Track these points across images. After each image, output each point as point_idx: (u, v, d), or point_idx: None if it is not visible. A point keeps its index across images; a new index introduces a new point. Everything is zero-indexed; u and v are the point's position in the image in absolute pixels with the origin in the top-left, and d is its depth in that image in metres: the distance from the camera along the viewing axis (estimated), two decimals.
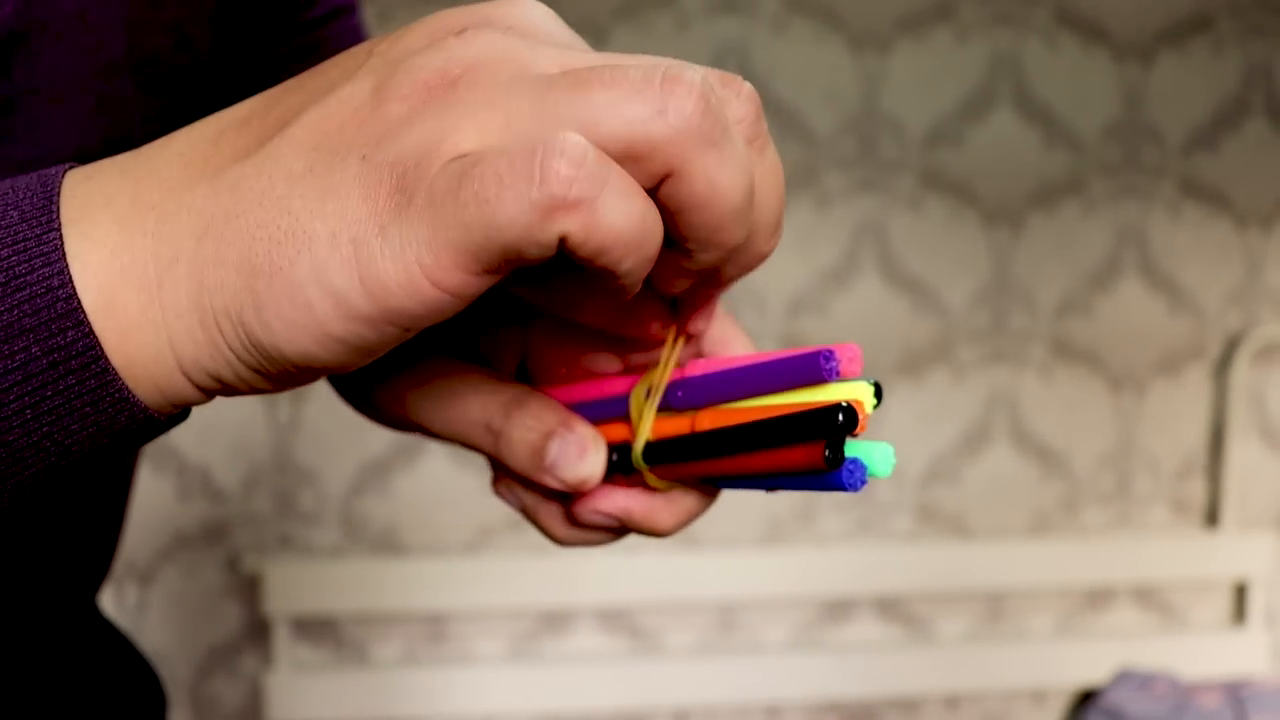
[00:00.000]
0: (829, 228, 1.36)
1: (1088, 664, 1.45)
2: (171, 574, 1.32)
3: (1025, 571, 1.42)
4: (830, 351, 0.25)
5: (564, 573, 1.33)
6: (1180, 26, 1.40)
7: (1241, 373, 1.44)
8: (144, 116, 0.36)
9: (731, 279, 0.26)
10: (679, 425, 0.28)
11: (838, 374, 0.25)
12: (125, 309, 0.22)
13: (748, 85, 0.23)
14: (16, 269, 0.21)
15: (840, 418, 0.24)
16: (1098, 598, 1.49)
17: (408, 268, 0.20)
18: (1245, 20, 1.41)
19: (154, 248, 0.22)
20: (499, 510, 1.35)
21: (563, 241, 0.20)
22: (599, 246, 0.20)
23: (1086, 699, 1.49)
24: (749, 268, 0.26)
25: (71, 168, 0.23)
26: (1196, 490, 1.49)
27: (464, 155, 0.20)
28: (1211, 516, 1.49)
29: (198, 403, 0.23)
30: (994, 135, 1.38)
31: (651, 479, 0.29)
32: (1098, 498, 1.47)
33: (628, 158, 0.21)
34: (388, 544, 1.34)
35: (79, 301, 0.21)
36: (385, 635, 1.36)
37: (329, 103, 0.22)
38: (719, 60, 1.32)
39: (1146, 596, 1.50)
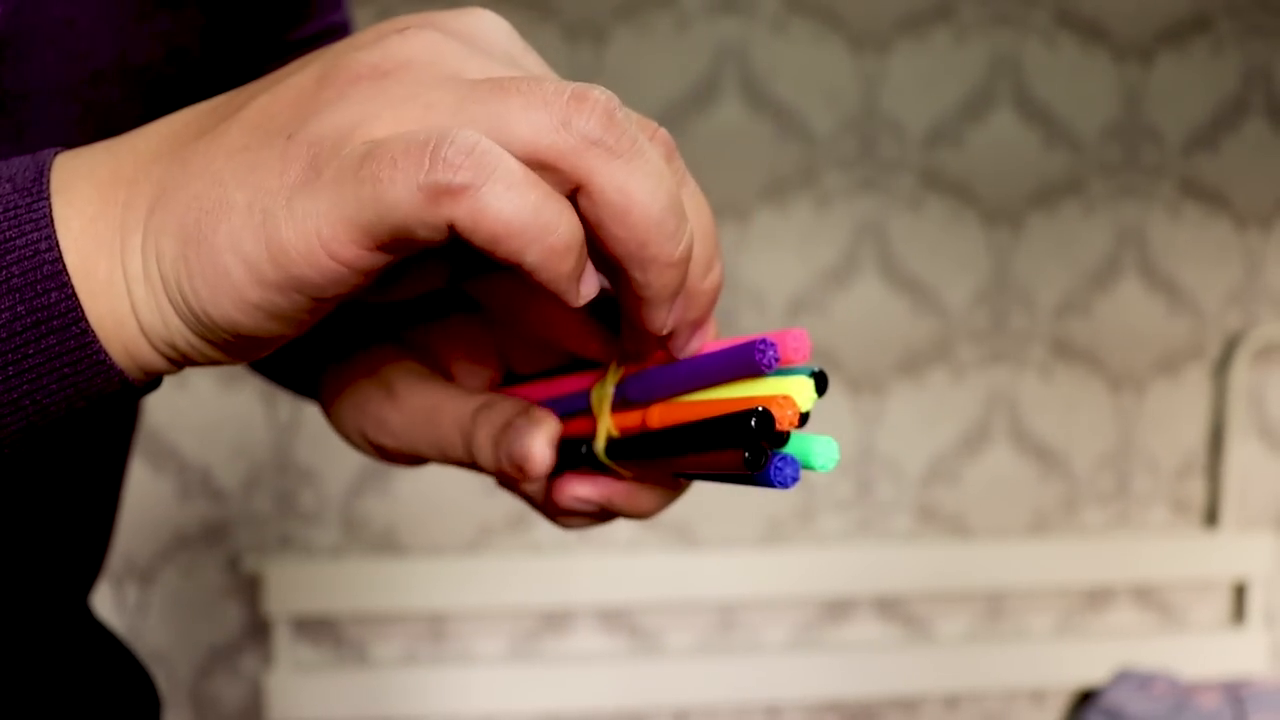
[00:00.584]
0: (829, 228, 1.36)
1: (1087, 664, 1.45)
2: (172, 574, 1.32)
3: (1025, 571, 1.42)
4: (765, 341, 0.25)
5: (564, 572, 1.33)
6: (1180, 27, 1.40)
7: (1241, 373, 1.44)
8: (132, 125, 0.35)
9: (686, 325, 0.27)
10: (633, 420, 0.29)
11: (776, 362, 0.25)
12: (96, 274, 0.23)
13: (663, 130, 0.25)
14: (7, 233, 0.22)
15: (753, 423, 0.24)
16: (1097, 597, 1.49)
17: (307, 238, 0.21)
18: (1245, 20, 1.41)
19: (121, 216, 0.23)
20: (499, 510, 1.35)
21: (455, 228, 0.21)
22: (490, 235, 0.21)
23: (1086, 699, 1.49)
24: (697, 312, 0.27)
25: (62, 149, 0.25)
26: (1196, 490, 1.49)
27: (376, 140, 0.21)
28: (1211, 516, 1.49)
29: (166, 371, 0.25)
30: (994, 135, 1.38)
31: (619, 470, 0.30)
32: (1097, 498, 1.47)
33: (538, 166, 0.22)
34: (388, 544, 1.34)
35: (64, 264, 0.23)
36: (385, 635, 1.36)
37: (278, 89, 0.23)
38: (719, 60, 1.32)
39: (1146, 596, 1.50)
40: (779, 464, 0.24)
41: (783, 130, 1.34)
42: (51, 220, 0.23)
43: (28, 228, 0.22)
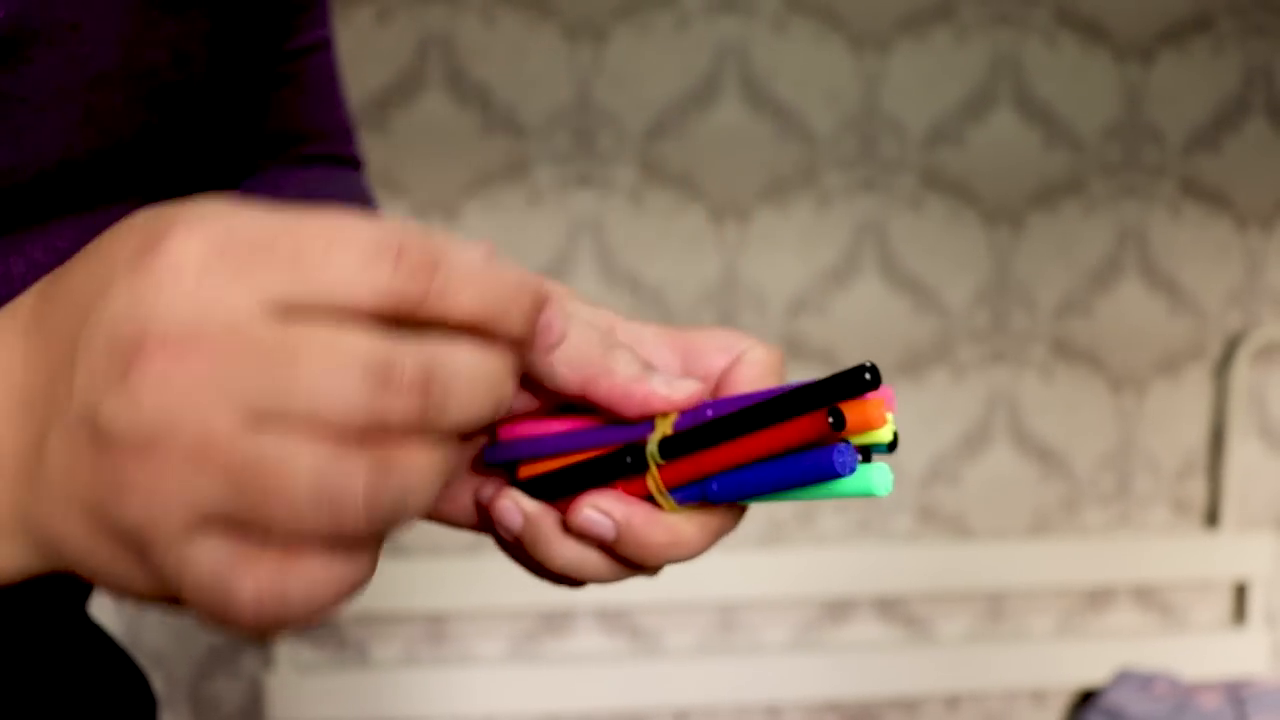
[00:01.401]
0: (829, 228, 1.36)
1: (1088, 664, 1.44)
2: None
3: (1025, 572, 1.42)
4: (846, 448, 0.25)
5: None
6: (1181, 26, 1.40)
7: (1242, 373, 1.44)
8: (136, 131, 0.35)
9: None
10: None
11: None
12: None
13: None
14: None
15: (866, 376, 0.24)
16: (1098, 598, 1.49)
17: (151, 599, 0.25)
18: (1246, 20, 1.41)
19: None
20: None
21: None
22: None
23: (1087, 699, 1.49)
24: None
25: None
26: (1197, 490, 1.49)
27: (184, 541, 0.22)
28: (1212, 517, 1.49)
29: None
30: (994, 135, 1.37)
31: (660, 495, 0.29)
32: (1098, 498, 1.47)
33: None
34: (387, 545, 1.34)
35: None
36: (385, 635, 1.36)
37: (62, 432, 0.23)
38: (719, 60, 1.32)
39: (1147, 597, 1.50)
40: (843, 448, 0.25)
41: (783, 130, 1.34)
42: None
43: None
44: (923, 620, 1.45)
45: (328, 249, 0.22)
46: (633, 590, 1.35)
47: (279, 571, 0.22)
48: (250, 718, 1.35)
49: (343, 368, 0.21)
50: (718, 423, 0.28)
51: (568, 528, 0.30)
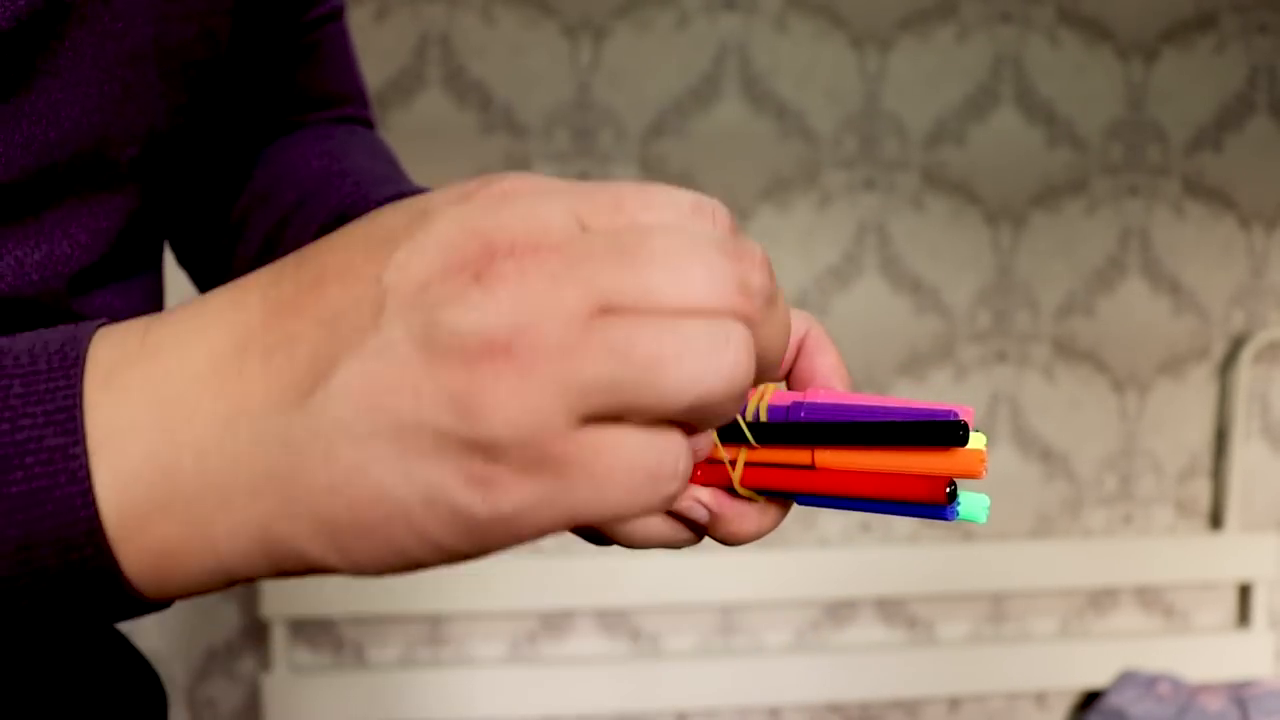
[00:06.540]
0: (830, 227, 1.35)
1: (1091, 666, 1.44)
2: None
3: (1028, 573, 1.41)
4: (954, 412, 0.27)
5: (564, 574, 1.33)
6: (1184, 25, 1.39)
7: (1245, 374, 1.43)
8: (169, 110, 0.36)
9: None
10: (797, 455, 0.29)
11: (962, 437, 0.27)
12: (164, 541, 0.22)
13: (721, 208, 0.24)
14: (38, 480, 0.21)
15: (959, 432, 0.26)
16: (1101, 599, 1.48)
17: (514, 529, 0.22)
18: (1249, 19, 1.40)
19: (194, 492, 0.22)
20: None
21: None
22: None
23: (1089, 701, 1.48)
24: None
25: (83, 358, 0.23)
26: (1200, 492, 1.48)
27: (572, 435, 0.21)
28: (1215, 518, 1.49)
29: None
30: (996, 134, 1.37)
31: (739, 484, 0.30)
32: (1101, 499, 1.46)
33: (709, 314, 0.23)
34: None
35: (101, 522, 0.22)
36: (384, 637, 1.35)
37: (367, 358, 0.21)
38: (719, 58, 1.31)
39: (1150, 598, 1.49)
40: (954, 509, 0.27)
41: (784, 129, 1.33)
42: (89, 473, 0.21)
43: (63, 479, 0.21)
44: (924, 622, 1.45)
45: (649, 197, 0.23)
46: (633, 592, 1.34)
47: (678, 444, 0.22)
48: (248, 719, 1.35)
49: (697, 248, 0.21)
50: (813, 431, 0.29)
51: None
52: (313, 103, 0.51)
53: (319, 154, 0.48)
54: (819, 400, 0.29)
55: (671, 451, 0.22)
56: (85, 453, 0.21)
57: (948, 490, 0.27)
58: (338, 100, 0.52)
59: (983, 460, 0.27)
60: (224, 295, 0.24)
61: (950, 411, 0.27)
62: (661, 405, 0.21)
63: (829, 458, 0.29)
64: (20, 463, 0.21)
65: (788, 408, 0.29)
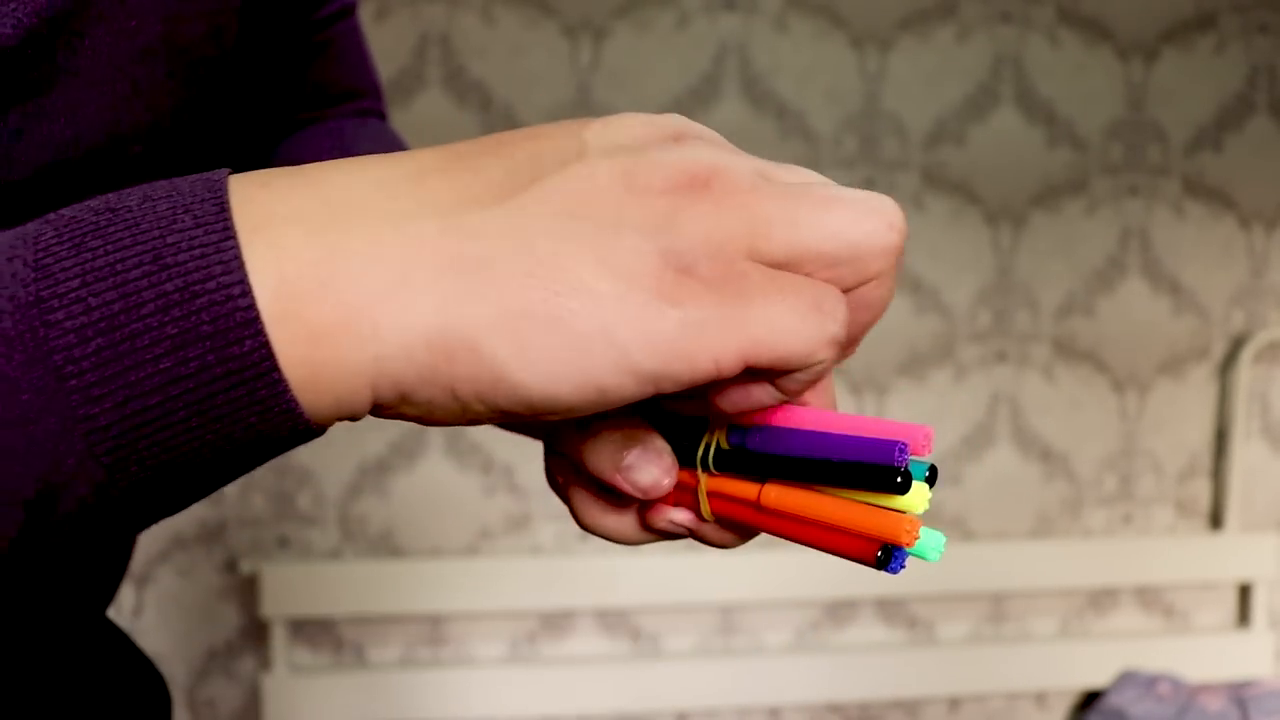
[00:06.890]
0: None
1: (1091, 666, 1.44)
2: (168, 575, 1.31)
3: (1028, 573, 1.41)
4: (902, 446, 0.26)
5: (563, 575, 1.33)
6: (1184, 25, 1.39)
7: (1245, 373, 1.43)
8: (178, 107, 0.36)
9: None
10: (747, 490, 0.29)
11: (906, 463, 0.27)
12: (321, 321, 0.22)
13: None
14: (193, 275, 0.21)
15: (898, 480, 0.26)
16: (1101, 599, 1.48)
17: (697, 344, 0.22)
18: (1249, 18, 1.40)
19: (365, 268, 0.22)
20: (498, 512, 1.34)
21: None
22: (817, 372, 0.25)
23: (1089, 701, 1.48)
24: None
25: (230, 173, 0.23)
26: (1200, 492, 1.48)
27: (753, 264, 0.24)
28: (1215, 518, 1.49)
29: (358, 418, 0.24)
30: (996, 134, 1.37)
31: (704, 505, 0.30)
32: (1101, 499, 1.46)
33: (845, 263, 0.25)
34: (386, 545, 1.33)
35: (258, 311, 0.21)
36: (384, 637, 1.35)
37: (569, 176, 0.23)
38: (719, 58, 1.31)
39: (1150, 598, 1.49)
40: (896, 564, 0.27)
41: (784, 129, 1.33)
42: (242, 261, 0.21)
43: (217, 269, 0.21)
44: (924, 621, 1.45)
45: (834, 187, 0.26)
46: (633, 592, 1.34)
47: (837, 292, 0.24)
48: None
49: (873, 209, 0.25)
50: (762, 463, 0.28)
51: (645, 523, 0.32)
52: (328, 99, 0.51)
53: (330, 149, 0.49)
54: (774, 425, 0.29)
55: (832, 294, 0.24)
56: (237, 244, 0.21)
57: (878, 555, 0.26)
58: (352, 95, 0.53)
59: (913, 526, 0.26)
60: (379, 157, 0.25)
61: (895, 446, 0.26)
62: (824, 245, 0.24)
63: (774, 496, 0.28)
64: (174, 259, 0.21)
65: (745, 433, 0.29)
